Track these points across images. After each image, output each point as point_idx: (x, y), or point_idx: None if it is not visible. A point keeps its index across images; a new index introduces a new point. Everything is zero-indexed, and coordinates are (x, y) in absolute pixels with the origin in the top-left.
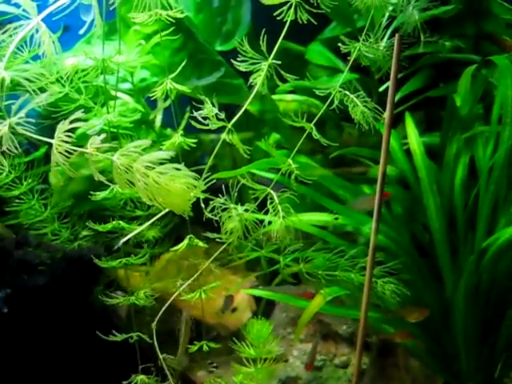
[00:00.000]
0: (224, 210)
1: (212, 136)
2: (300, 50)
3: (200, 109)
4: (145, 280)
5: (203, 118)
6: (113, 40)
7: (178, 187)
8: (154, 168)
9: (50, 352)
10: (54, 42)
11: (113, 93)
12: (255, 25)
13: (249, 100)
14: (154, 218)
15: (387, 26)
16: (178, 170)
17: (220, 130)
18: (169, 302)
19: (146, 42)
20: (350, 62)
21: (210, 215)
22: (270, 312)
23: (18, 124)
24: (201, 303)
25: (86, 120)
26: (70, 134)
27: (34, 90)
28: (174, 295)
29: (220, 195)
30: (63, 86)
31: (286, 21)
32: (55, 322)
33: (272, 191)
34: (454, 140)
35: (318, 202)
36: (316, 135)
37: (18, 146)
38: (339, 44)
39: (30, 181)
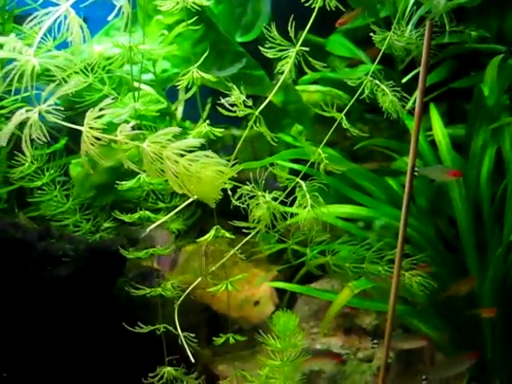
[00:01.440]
0: (251, 197)
1: (233, 130)
2: (320, 41)
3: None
4: (169, 272)
5: (227, 108)
6: (133, 32)
7: (208, 175)
8: (184, 155)
9: (73, 344)
10: (82, 29)
11: (135, 84)
12: (275, 16)
13: (275, 89)
14: (179, 208)
15: (411, 15)
16: (208, 157)
17: (239, 123)
18: (187, 291)
19: (168, 33)
20: (381, 52)
21: (237, 203)
22: (292, 305)
23: (47, 112)
24: (224, 296)
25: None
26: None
27: (63, 79)
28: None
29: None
30: (86, 75)
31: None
32: (79, 314)
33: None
34: (481, 131)
35: (341, 194)
36: (346, 125)
37: (47, 135)
38: (370, 34)
39: (51, 172)
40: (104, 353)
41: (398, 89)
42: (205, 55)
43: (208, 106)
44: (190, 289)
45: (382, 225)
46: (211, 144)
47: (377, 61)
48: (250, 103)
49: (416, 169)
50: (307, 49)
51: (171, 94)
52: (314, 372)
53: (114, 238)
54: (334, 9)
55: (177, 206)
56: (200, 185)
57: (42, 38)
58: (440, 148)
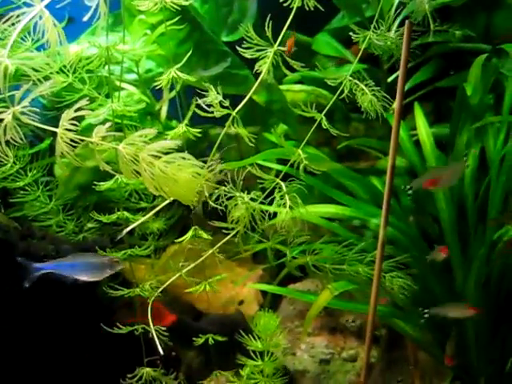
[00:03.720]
0: (229, 198)
1: (218, 129)
2: (307, 40)
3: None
4: (150, 272)
5: (208, 106)
6: (118, 31)
7: (184, 177)
8: (160, 157)
9: (54, 344)
10: (58, 31)
11: (117, 83)
12: (262, 16)
13: (253, 88)
14: (159, 207)
15: (397, 15)
16: (184, 159)
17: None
18: (163, 287)
19: (152, 32)
20: (361, 51)
21: (214, 204)
22: (277, 305)
23: (22, 113)
24: (206, 296)
25: (90, 110)
26: (75, 123)
27: (38, 80)
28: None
29: (225, 185)
30: (67, 75)
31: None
32: (60, 314)
33: None
34: (465, 130)
35: (325, 194)
36: (326, 125)
37: (22, 137)
38: (350, 33)
39: (34, 172)
40: (87, 353)
41: (378, 88)
42: (188, 55)
43: (193, 106)
44: (162, 288)
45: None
46: (197, 143)
47: (357, 59)
48: (226, 103)
49: (408, 186)
50: (285, 49)
51: (158, 95)
52: (298, 371)
53: (95, 239)
54: (312, 9)
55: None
56: (176, 187)
57: (22, 38)
58: (424, 147)
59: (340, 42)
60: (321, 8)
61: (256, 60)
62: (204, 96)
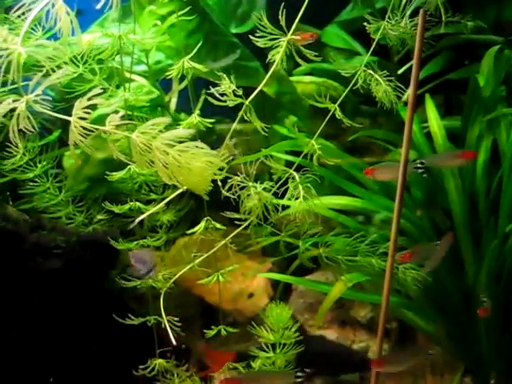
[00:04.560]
0: (242, 188)
1: (227, 121)
2: (316, 32)
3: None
4: (160, 264)
5: (217, 98)
6: (127, 23)
7: (198, 166)
8: (174, 146)
9: (65, 335)
10: (71, 19)
11: (127, 74)
12: (271, 7)
13: (266, 79)
14: (170, 197)
15: (406, 5)
16: (198, 148)
17: (234, 116)
18: (175, 277)
19: (161, 23)
20: (375, 43)
21: (227, 194)
22: (287, 298)
23: (35, 102)
24: (217, 288)
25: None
26: (89, 111)
27: (52, 69)
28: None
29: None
30: (77, 66)
31: (302, 4)
32: (70, 306)
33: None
34: (476, 122)
35: (334, 186)
36: (339, 115)
37: (35, 126)
38: (364, 23)
39: (44, 163)
40: (96, 344)
41: (392, 78)
42: (198, 46)
43: (202, 98)
44: (173, 279)
45: (381, 219)
46: (205, 136)
47: (370, 51)
48: (240, 93)
49: (423, 160)
50: (298, 37)
51: (167, 87)
52: None
53: (106, 230)
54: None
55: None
56: (190, 176)
57: (33, 28)
58: (435, 139)
59: (350, 33)
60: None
61: (264, 53)
62: (215, 86)
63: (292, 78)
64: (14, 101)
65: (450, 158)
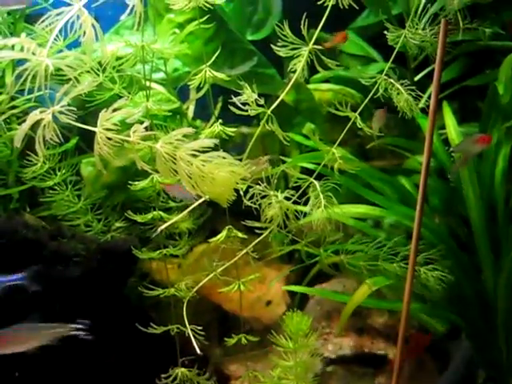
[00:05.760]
0: (263, 197)
1: (243, 129)
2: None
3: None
4: (178, 273)
5: (239, 107)
6: (144, 30)
7: (222, 175)
8: (197, 156)
9: (85, 343)
10: (95, 29)
11: (146, 83)
12: (286, 14)
13: (287, 88)
14: (191, 207)
15: (423, 12)
16: (221, 158)
17: (249, 122)
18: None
19: (179, 31)
20: (395, 51)
21: (249, 203)
22: (304, 305)
23: (60, 113)
24: (236, 296)
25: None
26: (116, 122)
27: (75, 79)
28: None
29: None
30: (97, 75)
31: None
32: (90, 314)
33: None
34: (495, 130)
35: (351, 194)
36: (360, 124)
37: (60, 136)
38: (384, 32)
39: (63, 171)
40: (116, 353)
41: (412, 87)
42: (216, 54)
43: (219, 105)
44: (196, 288)
45: (390, 223)
46: (222, 143)
47: (391, 60)
48: (261, 102)
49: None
50: (320, 47)
51: (181, 93)
52: (326, 373)
53: (125, 238)
54: (347, 7)
55: (187, 206)
56: (214, 185)
57: (54, 38)
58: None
59: (365, 40)
60: (354, 5)
61: (280, 59)
62: (233, 95)
63: (309, 86)
64: (40, 112)
65: (471, 144)
